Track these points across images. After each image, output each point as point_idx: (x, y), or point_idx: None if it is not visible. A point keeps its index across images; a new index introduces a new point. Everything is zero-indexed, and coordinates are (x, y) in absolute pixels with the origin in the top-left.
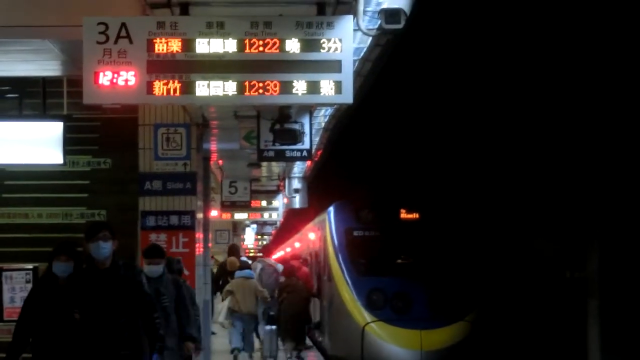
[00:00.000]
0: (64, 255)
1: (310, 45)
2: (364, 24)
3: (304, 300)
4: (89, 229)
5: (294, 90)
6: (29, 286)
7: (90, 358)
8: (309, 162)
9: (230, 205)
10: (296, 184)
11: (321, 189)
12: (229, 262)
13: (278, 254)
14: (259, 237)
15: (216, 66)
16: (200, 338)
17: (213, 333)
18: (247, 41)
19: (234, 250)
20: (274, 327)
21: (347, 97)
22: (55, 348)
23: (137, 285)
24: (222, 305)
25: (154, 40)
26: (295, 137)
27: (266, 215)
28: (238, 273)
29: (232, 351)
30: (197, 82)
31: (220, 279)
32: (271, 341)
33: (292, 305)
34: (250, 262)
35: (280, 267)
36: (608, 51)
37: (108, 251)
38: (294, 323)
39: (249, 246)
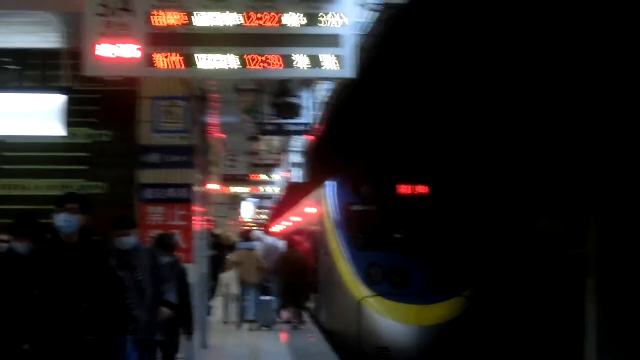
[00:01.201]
0: (20, 237)
1: (312, 19)
2: None
3: (300, 271)
4: (58, 199)
5: (296, 65)
6: None
7: (51, 342)
8: (308, 137)
9: (229, 179)
10: (296, 158)
11: (320, 164)
12: (224, 237)
13: (277, 227)
14: (259, 210)
15: (216, 39)
16: (192, 316)
17: (210, 307)
18: (247, 15)
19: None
20: (270, 297)
21: (349, 71)
22: (10, 327)
23: (106, 263)
24: (228, 276)
25: (155, 13)
26: (295, 111)
27: (265, 189)
28: (242, 245)
29: (249, 321)
30: (198, 56)
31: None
32: (267, 311)
33: (289, 276)
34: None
35: (281, 243)
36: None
37: (73, 225)
38: (290, 293)
39: (247, 220)
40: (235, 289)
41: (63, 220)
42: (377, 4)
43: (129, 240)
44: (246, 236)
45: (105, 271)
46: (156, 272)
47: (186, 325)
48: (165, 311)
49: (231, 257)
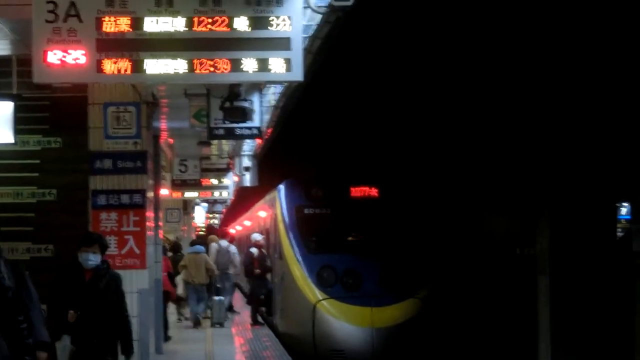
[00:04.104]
0: None
1: (259, 22)
2: (313, 1)
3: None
4: None
5: (244, 68)
6: None
7: None
8: (259, 140)
9: (180, 184)
10: (246, 162)
11: (271, 167)
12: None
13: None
14: (210, 215)
15: (165, 44)
16: (129, 332)
17: (169, 337)
18: (196, 19)
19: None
20: (222, 297)
21: (297, 74)
22: None
23: None
24: (179, 279)
25: (103, 19)
26: (245, 114)
27: (217, 193)
28: (189, 249)
29: (194, 317)
30: (147, 61)
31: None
32: (220, 310)
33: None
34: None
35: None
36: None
37: None
38: None
39: (199, 224)
40: (181, 290)
41: None
42: (322, 6)
43: None
44: (194, 241)
45: None
46: (24, 292)
47: (123, 343)
48: (43, 357)
49: (182, 260)
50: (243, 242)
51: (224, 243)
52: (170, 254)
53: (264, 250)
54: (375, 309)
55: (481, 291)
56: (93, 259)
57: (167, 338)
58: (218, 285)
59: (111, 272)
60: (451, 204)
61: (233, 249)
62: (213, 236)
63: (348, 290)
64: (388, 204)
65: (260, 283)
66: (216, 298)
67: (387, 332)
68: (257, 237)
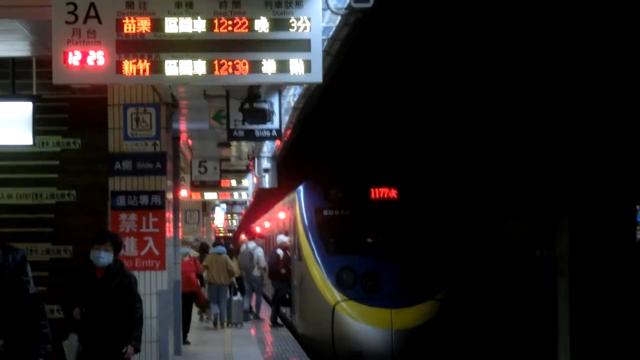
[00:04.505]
0: None
1: (279, 24)
2: (332, 2)
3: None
4: None
5: (263, 70)
6: None
7: None
8: (278, 142)
9: (199, 185)
10: (265, 163)
11: (291, 169)
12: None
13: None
14: (229, 216)
15: (185, 46)
16: (138, 335)
17: (188, 342)
18: (216, 21)
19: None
20: (241, 297)
21: (317, 76)
22: None
23: (18, 276)
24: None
25: (123, 20)
26: (264, 116)
27: (236, 194)
28: (212, 249)
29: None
30: (167, 62)
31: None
32: (238, 310)
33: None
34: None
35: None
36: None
37: None
38: None
39: (219, 226)
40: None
41: None
42: (341, 8)
43: None
44: (216, 242)
45: (19, 286)
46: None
47: (128, 334)
48: None
49: (204, 261)
50: (262, 244)
51: (251, 244)
52: (196, 254)
53: (288, 252)
54: (394, 310)
55: (500, 293)
56: (104, 257)
57: (185, 342)
58: (236, 286)
59: (125, 272)
60: (471, 206)
61: (259, 251)
62: (244, 238)
63: (367, 292)
64: (408, 205)
65: (285, 284)
66: (235, 298)
67: (407, 334)
68: (283, 238)
